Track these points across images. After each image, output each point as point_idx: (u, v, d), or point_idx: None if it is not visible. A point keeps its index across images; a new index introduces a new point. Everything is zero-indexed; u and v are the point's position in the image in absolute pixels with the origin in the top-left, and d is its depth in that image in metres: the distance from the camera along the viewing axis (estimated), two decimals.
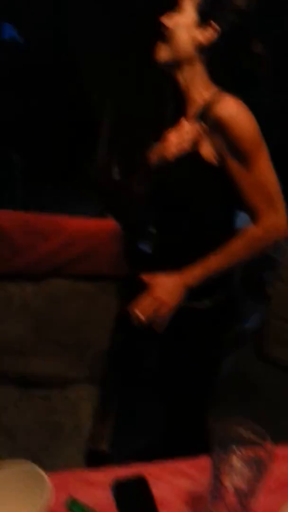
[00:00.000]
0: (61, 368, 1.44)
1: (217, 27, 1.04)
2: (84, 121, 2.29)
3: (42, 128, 2.66)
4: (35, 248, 1.42)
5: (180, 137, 1.09)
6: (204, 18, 1.04)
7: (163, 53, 1.08)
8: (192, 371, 1.21)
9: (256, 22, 1.06)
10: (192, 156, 1.05)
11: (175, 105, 1.15)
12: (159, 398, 1.33)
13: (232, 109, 0.99)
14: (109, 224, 1.46)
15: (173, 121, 1.19)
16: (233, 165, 1.01)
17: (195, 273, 1.07)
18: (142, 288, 1.14)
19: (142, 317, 1.06)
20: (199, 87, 1.09)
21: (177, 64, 1.08)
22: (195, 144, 1.05)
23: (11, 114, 2.48)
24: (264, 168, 1.01)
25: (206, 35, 1.04)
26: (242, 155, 1.00)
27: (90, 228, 1.44)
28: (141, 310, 1.06)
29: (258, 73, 1.09)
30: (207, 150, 1.04)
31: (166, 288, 1.07)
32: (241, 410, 1.35)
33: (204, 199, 1.09)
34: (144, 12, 1.84)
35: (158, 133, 2.18)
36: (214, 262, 1.07)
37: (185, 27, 1.05)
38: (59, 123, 2.66)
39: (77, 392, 1.41)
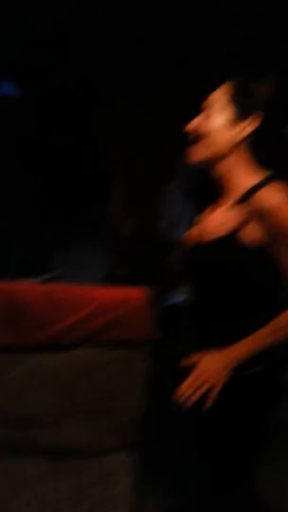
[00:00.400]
0: (94, 437, 1.44)
1: (255, 117, 1.07)
2: (94, 175, 2.34)
3: (50, 181, 2.71)
4: (64, 319, 1.45)
5: (219, 220, 1.11)
6: (239, 112, 1.07)
7: (199, 154, 1.10)
8: (236, 435, 1.21)
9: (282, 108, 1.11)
10: (232, 239, 1.08)
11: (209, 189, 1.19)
12: (201, 463, 1.33)
13: (275, 199, 1.02)
14: (136, 292, 1.49)
15: (208, 203, 1.23)
16: (277, 250, 1.05)
17: (242, 351, 1.08)
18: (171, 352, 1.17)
19: (190, 399, 1.07)
20: (240, 174, 1.10)
21: (215, 160, 1.10)
22: (236, 228, 1.08)
23: (19, 166, 2.53)
24: None
25: (244, 129, 1.07)
26: (286, 241, 1.03)
27: (118, 297, 1.48)
28: (189, 392, 1.07)
29: None
30: (248, 234, 1.06)
31: (213, 368, 1.08)
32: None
33: (242, 279, 1.12)
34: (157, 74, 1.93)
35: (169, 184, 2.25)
36: (261, 339, 1.08)
37: (223, 127, 1.08)
38: (67, 175, 2.71)
39: (113, 461, 1.41)
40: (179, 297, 2.09)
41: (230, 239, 1.08)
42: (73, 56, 2.10)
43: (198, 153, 1.11)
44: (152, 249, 2.22)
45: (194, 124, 1.11)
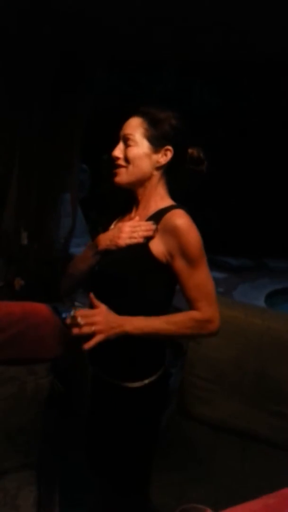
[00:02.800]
0: None
1: (170, 148, 1.20)
2: None
3: None
4: None
5: (132, 229, 1.20)
6: (156, 143, 1.20)
7: (125, 178, 1.22)
8: (133, 442, 1.29)
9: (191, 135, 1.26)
10: (142, 248, 1.18)
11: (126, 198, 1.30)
12: (100, 475, 1.39)
13: (185, 221, 1.16)
14: (35, 307, 1.48)
15: (124, 212, 1.33)
16: (181, 265, 1.16)
17: (135, 324, 1.16)
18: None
19: (81, 321, 1.10)
20: (155, 195, 1.24)
21: (138, 183, 1.23)
22: (147, 239, 1.18)
23: None
24: (206, 270, 1.18)
25: (162, 157, 1.21)
26: (190, 258, 1.15)
27: (16, 313, 1.44)
28: (81, 316, 1.12)
29: (201, 172, 1.27)
30: (156, 247, 1.18)
31: (107, 318, 1.14)
32: (175, 473, 1.49)
33: (146, 287, 1.21)
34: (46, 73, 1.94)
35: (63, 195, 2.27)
36: (154, 323, 1.17)
37: (145, 156, 1.20)
38: None
39: (15, 481, 1.38)
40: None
41: (141, 248, 1.18)
42: None
43: (124, 178, 1.23)
44: (47, 260, 2.23)
45: (117, 151, 1.22)
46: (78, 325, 1.11)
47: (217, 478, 1.49)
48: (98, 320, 1.12)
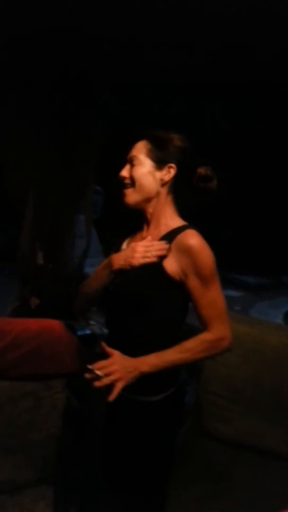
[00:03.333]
0: (10, 473, 1.43)
1: (172, 165, 1.26)
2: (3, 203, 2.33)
3: None
4: None
5: (146, 248, 1.24)
6: (159, 161, 1.26)
7: (133, 198, 1.28)
8: (149, 456, 1.30)
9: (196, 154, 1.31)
10: (156, 266, 1.22)
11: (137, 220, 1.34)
12: (116, 490, 1.39)
13: (199, 241, 1.20)
14: (51, 324, 1.53)
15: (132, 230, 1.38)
16: (194, 284, 1.19)
17: (150, 362, 1.18)
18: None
19: (99, 373, 1.12)
20: (165, 214, 1.29)
21: (146, 201, 1.28)
22: (160, 258, 1.22)
23: None
24: (217, 289, 1.21)
25: (166, 174, 1.26)
26: (203, 277, 1.19)
27: (32, 329, 1.49)
28: (99, 368, 1.13)
29: (211, 190, 1.32)
30: (170, 265, 1.21)
31: (123, 365, 1.16)
32: (192, 489, 1.49)
33: (160, 304, 1.24)
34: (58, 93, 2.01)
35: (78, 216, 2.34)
36: (168, 356, 1.19)
37: (148, 174, 1.26)
38: None
39: (31, 496, 1.41)
40: (91, 327, 2.17)
41: (155, 267, 1.22)
42: None
43: (132, 197, 1.28)
44: (62, 280, 2.28)
45: (124, 172, 1.29)
46: (97, 378, 1.13)
47: (233, 494, 1.47)
48: (116, 368, 1.15)
